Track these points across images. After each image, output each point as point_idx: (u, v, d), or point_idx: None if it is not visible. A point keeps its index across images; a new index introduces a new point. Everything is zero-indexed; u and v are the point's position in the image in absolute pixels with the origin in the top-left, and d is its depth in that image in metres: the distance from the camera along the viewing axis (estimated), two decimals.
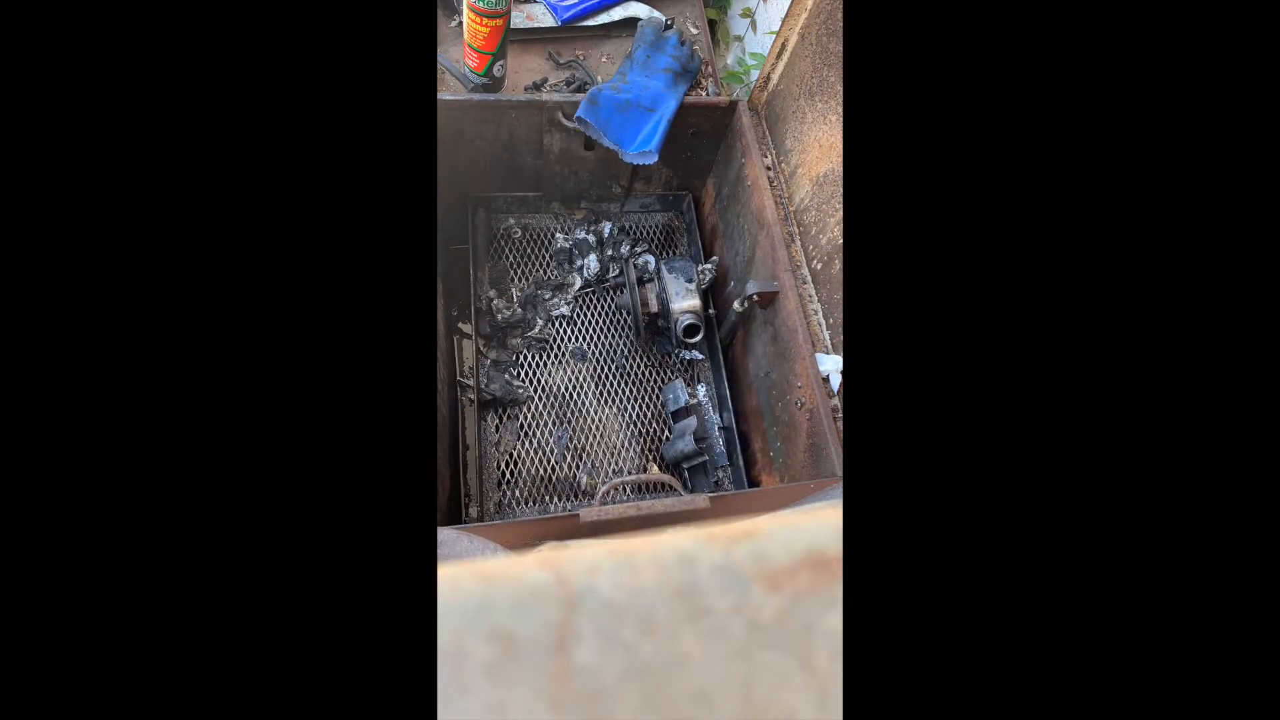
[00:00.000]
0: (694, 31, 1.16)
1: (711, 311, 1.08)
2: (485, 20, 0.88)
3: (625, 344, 1.12)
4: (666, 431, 1.07)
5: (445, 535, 0.61)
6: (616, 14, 1.13)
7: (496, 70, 0.96)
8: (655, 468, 1.04)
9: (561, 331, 1.12)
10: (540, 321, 1.11)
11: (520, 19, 1.09)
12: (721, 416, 1.07)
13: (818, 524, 0.19)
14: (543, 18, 1.10)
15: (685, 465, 1.03)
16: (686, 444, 1.00)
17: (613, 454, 1.04)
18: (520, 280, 1.15)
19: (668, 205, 1.22)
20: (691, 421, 1.03)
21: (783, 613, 0.18)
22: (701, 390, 1.10)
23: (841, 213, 0.84)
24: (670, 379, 1.10)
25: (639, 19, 1.13)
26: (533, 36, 1.09)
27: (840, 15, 0.82)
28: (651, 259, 1.13)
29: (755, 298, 0.92)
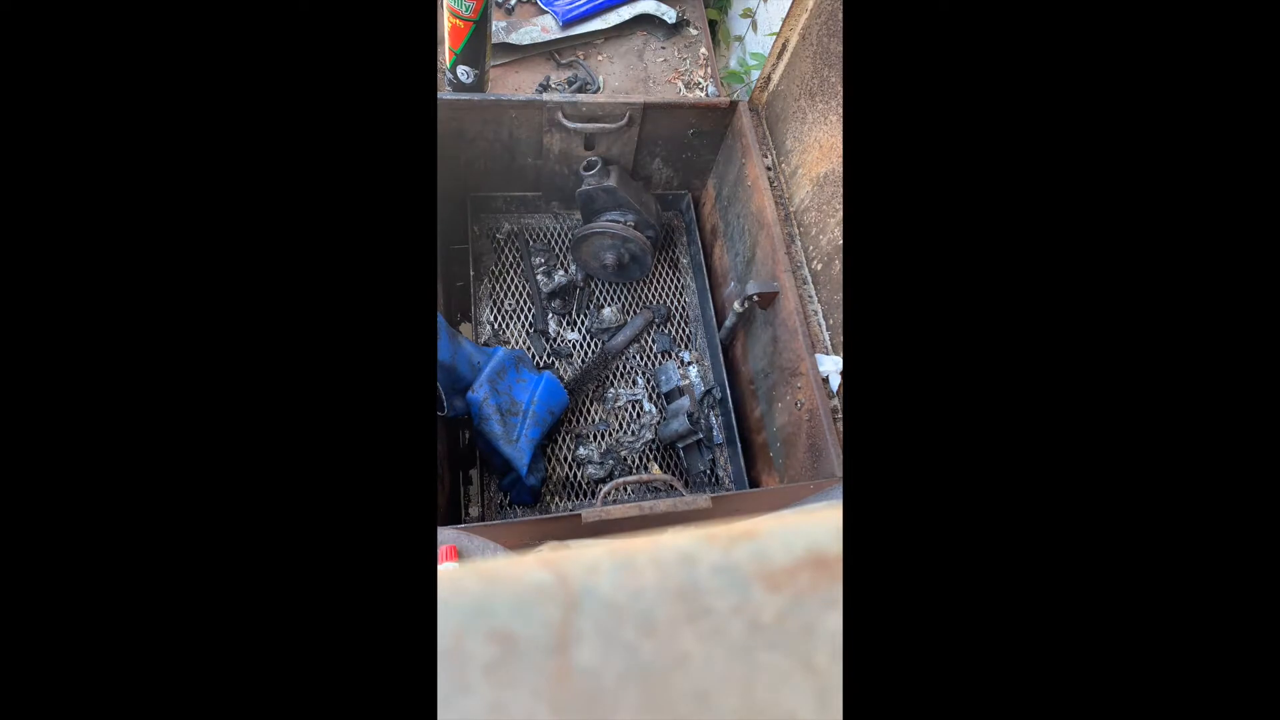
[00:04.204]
0: (694, 28, 1.16)
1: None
2: (450, 18, 0.92)
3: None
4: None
5: (445, 535, 0.61)
6: (625, 13, 1.13)
7: (461, 74, 0.97)
8: (656, 468, 1.04)
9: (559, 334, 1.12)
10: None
11: (536, 32, 1.09)
12: (715, 394, 1.07)
13: (818, 524, 0.19)
14: (554, 28, 1.10)
15: (680, 445, 1.04)
16: (680, 424, 1.01)
17: (612, 453, 1.04)
18: (519, 282, 1.15)
19: (667, 205, 1.22)
20: (684, 402, 1.04)
21: (783, 613, 0.18)
22: (694, 371, 1.10)
23: (841, 213, 0.84)
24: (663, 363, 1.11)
25: (650, 14, 1.13)
26: (547, 49, 1.09)
27: (841, 15, 0.82)
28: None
29: (755, 298, 0.92)
